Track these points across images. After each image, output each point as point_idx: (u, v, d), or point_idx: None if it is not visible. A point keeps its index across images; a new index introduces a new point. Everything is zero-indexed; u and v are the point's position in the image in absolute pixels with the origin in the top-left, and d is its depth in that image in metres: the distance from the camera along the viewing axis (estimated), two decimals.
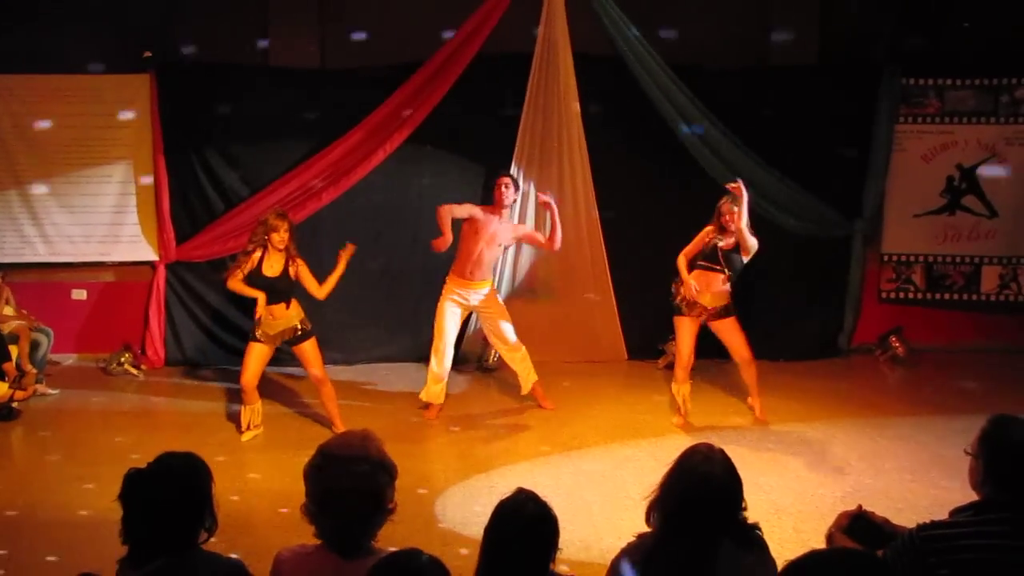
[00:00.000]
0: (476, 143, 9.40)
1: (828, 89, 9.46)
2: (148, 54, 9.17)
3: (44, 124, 9.27)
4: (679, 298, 7.54)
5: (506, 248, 8.41)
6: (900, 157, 9.75)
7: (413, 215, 9.48)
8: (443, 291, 7.98)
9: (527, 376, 8.11)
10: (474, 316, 8.93)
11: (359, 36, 9.35)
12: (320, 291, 7.36)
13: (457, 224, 7.90)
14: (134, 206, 9.44)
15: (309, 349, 7.38)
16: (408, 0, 9.32)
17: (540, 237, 8.28)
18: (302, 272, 7.31)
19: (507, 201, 7.87)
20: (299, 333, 7.32)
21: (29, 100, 9.25)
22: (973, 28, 9.48)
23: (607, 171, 9.30)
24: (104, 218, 9.45)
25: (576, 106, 9.04)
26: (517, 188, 8.10)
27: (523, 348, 8.06)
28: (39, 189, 9.34)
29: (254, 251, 7.28)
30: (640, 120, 9.21)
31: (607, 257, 9.38)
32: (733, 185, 7.25)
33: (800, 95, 9.43)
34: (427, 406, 7.97)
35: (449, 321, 7.89)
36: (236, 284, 7.32)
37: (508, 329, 8.01)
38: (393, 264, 9.55)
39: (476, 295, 7.93)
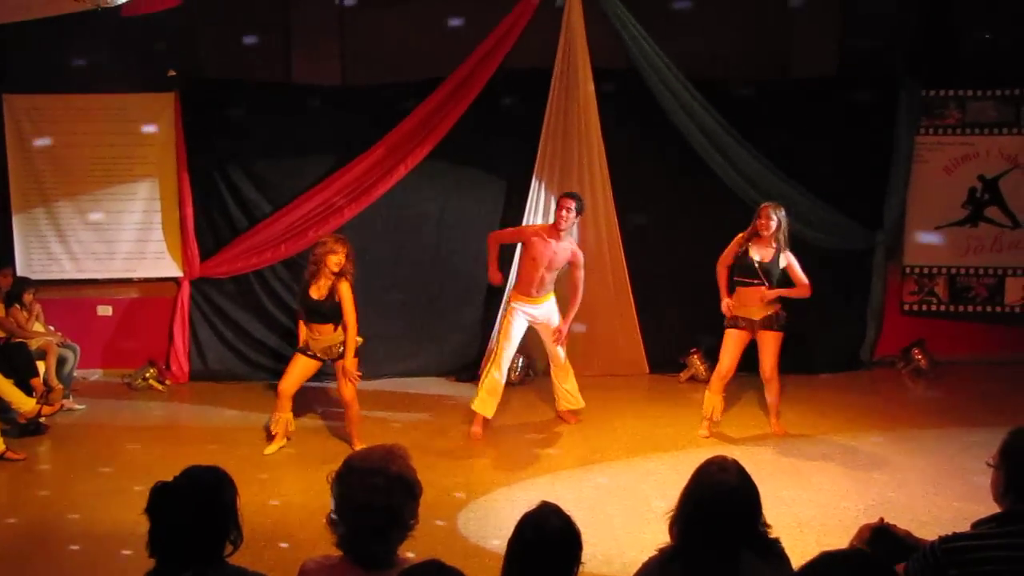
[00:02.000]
0: (497, 157, 9.46)
1: (848, 101, 9.44)
2: (173, 73, 9.29)
3: (69, 143, 9.38)
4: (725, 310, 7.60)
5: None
6: (921, 169, 9.72)
7: (435, 230, 9.55)
8: (508, 306, 8.01)
9: (571, 402, 8.14)
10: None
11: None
12: (349, 326, 7.33)
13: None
14: (159, 223, 9.54)
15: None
16: (429, 16, 9.40)
17: (578, 275, 7.86)
18: (341, 294, 7.26)
19: (565, 225, 7.74)
20: (342, 350, 7.38)
21: (55, 119, 9.37)
22: (994, 39, 9.45)
23: (627, 184, 9.33)
24: (129, 235, 9.55)
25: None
26: (580, 211, 7.82)
27: (571, 371, 8.10)
28: (65, 207, 9.45)
29: (308, 274, 7.37)
30: (660, 133, 9.26)
31: (628, 270, 9.40)
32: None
33: (820, 107, 9.42)
34: (474, 420, 7.89)
35: (516, 334, 7.90)
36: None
37: (559, 349, 8.02)
38: (416, 278, 9.60)
39: (540, 309, 7.92)
